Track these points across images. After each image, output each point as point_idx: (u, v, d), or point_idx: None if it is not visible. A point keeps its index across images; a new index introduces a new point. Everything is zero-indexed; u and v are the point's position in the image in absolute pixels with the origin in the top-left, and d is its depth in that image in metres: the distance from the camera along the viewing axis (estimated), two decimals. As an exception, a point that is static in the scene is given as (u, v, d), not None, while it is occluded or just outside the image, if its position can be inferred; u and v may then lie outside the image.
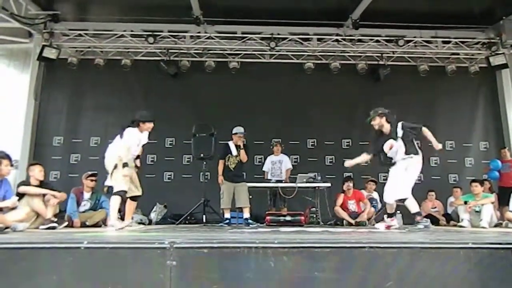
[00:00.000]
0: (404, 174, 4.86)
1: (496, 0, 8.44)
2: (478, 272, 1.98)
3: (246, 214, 6.54)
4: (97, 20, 8.84)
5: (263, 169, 7.78)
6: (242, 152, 6.61)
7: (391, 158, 5.01)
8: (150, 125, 5.05)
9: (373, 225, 6.85)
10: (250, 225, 6.26)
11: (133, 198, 5.00)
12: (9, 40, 8.79)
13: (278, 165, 7.65)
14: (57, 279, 1.91)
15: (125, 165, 4.73)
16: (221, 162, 6.70)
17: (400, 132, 4.95)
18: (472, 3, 8.23)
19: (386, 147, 4.96)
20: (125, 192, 4.76)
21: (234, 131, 6.77)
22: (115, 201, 4.76)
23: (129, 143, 4.86)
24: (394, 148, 4.91)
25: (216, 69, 8.97)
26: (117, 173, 4.71)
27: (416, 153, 4.94)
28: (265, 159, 7.95)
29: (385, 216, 5.31)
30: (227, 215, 6.59)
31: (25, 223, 4.69)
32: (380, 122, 5.09)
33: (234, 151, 6.64)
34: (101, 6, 8.81)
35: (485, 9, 8.53)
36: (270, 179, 7.44)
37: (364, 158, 5.33)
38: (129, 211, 5.08)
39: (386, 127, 5.06)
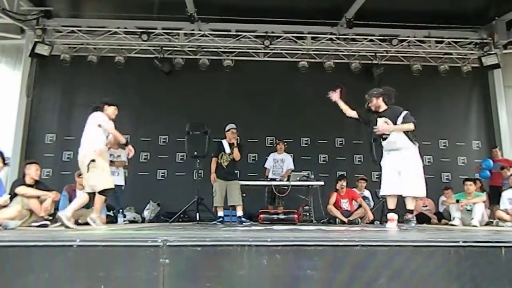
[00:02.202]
0: (414, 168, 4.84)
1: (488, 1, 8.52)
2: (469, 270, 2.00)
3: (239, 212, 6.54)
4: (90, 16, 8.77)
5: (264, 166, 7.77)
6: (236, 150, 6.59)
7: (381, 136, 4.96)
8: (114, 110, 4.94)
9: (369, 223, 6.91)
10: (244, 223, 6.26)
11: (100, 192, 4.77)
12: (1, 36, 8.71)
13: (280, 164, 7.67)
14: (49, 277, 1.90)
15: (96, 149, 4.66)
16: (214, 160, 6.69)
17: (400, 121, 4.88)
18: (465, 3, 8.29)
19: (380, 124, 4.92)
20: (112, 189, 4.72)
21: (226, 128, 6.77)
22: (99, 200, 4.68)
23: (101, 123, 4.73)
24: (391, 133, 4.87)
25: (210, 67, 8.96)
26: (96, 169, 4.62)
27: (414, 144, 4.92)
28: (258, 157, 7.97)
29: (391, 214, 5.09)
30: (220, 213, 6.58)
31: (16, 221, 4.66)
32: (376, 103, 5.07)
33: (227, 149, 6.63)
34: (94, 2, 8.77)
35: (478, 9, 8.60)
36: (271, 177, 7.45)
37: (351, 113, 5.39)
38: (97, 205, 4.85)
39: (383, 107, 5.05)
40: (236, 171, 6.89)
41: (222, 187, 6.53)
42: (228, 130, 6.71)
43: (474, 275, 1.99)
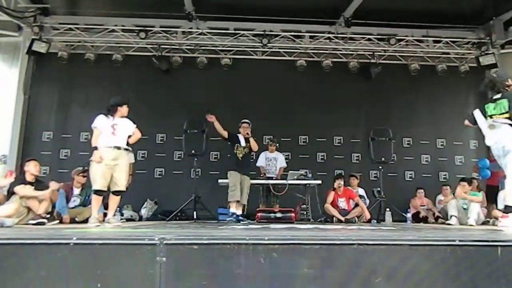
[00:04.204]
0: None
1: (486, 1, 8.54)
2: (465, 269, 2.00)
3: (240, 210, 6.42)
4: (88, 14, 8.74)
5: (256, 165, 7.75)
6: (252, 140, 6.54)
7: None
8: (127, 109, 5.05)
9: (366, 222, 6.93)
10: (241, 222, 6.24)
11: (114, 193, 4.87)
12: (-2, 33, 8.68)
13: (273, 162, 7.66)
14: (46, 276, 1.90)
15: (94, 148, 4.73)
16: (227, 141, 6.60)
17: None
18: (463, 3, 8.30)
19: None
20: (100, 191, 4.74)
21: (240, 123, 6.71)
22: (93, 199, 4.82)
23: (96, 125, 4.84)
24: None
25: (208, 65, 8.95)
26: (91, 168, 4.77)
27: None
28: (256, 155, 7.94)
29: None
30: (234, 209, 6.27)
31: (13, 218, 4.66)
32: None
33: (242, 142, 6.57)
34: (92, 0, 8.72)
35: (476, 9, 8.62)
36: (266, 175, 7.44)
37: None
38: (110, 205, 4.95)
39: None
40: (250, 164, 6.78)
41: (238, 180, 6.35)
42: (241, 125, 6.66)
43: (470, 274, 2.00)
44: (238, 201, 6.32)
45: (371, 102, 9.14)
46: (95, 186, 4.70)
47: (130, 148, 5.03)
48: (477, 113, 4.74)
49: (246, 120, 6.71)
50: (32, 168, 5.35)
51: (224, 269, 1.93)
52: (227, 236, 2.06)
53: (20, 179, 5.38)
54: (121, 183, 4.82)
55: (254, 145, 6.60)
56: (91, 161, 4.76)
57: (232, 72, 9.01)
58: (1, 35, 8.72)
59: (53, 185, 5.38)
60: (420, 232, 3.23)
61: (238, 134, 6.66)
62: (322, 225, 5.81)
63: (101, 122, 4.88)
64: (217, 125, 6.43)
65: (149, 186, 8.29)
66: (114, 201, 4.90)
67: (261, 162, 7.69)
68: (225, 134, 6.50)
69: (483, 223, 6.52)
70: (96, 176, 4.68)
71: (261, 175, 7.46)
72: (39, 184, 5.38)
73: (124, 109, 5.01)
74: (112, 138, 4.83)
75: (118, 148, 4.82)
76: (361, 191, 7.82)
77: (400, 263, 2.00)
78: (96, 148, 4.73)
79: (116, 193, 4.86)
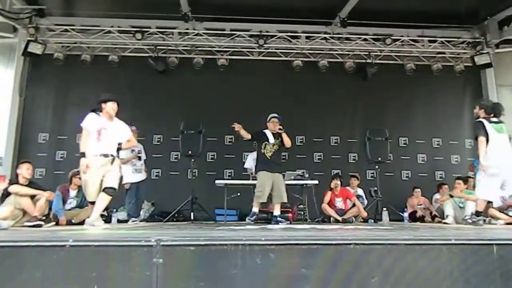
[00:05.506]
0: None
1: (481, 1, 8.58)
2: (461, 267, 2.01)
3: (278, 210, 5.99)
4: (84, 15, 8.70)
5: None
6: (285, 136, 6.08)
7: None
8: (112, 105, 4.55)
9: (363, 221, 6.93)
10: (280, 223, 5.80)
11: (105, 190, 4.39)
12: (-7, 35, 8.64)
13: None
14: (42, 278, 1.89)
15: (82, 155, 4.35)
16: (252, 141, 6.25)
17: None
18: (457, 3, 8.34)
19: None
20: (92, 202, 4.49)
21: (268, 117, 6.32)
22: (90, 206, 4.60)
23: (84, 125, 4.43)
24: None
25: (204, 66, 8.95)
26: (82, 177, 4.49)
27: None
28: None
29: None
30: (256, 209, 5.94)
31: (9, 221, 4.64)
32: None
33: (271, 139, 6.12)
34: (88, 1, 8.70)
35: (471, 9, 8.66)
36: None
37: None
38: (98, 205, 4.41)
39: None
40: (281, 162, 6.33)
41: (269, 181, 5.87)
42: (270, 120, 6.28)
43: (466, 273, 2.01)
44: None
45: (367, 102, 9.18)
46: (89, 198, 4.51)
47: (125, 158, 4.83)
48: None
49: (276, 115, 6.29)
50: (24, 171, 5.29)
51: (221, 270, 1.93)
52: (224, 237, 2.06)
53: (14, 182, 5.34)
54: (113, 182, 4.44)
55: (288, 141, 6.11)
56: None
57: (228, 73, 9.00)
58: (-4, 37, 8.70)
59: (49, 194, 5.33)
60: (417, 231, 3.24)
61: (265, 131, 6.22)
62: (319, 225, 5.82)
63: (90, 122, 4.48)
64: (243, 132, 6.02)
65: (145, 187, 8.26)
66: (103, 200, 4.38)
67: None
68: (249, 136, 6.06)
69: (479, 222, 6.53)
70: (86, 187, 4.43)
71: (252, 177, 7.37)
72: (33, 186, 5.34)
73: (109, 107, 4.53)
74: (98, 145, 4.42)
75: (106, 155, 4.44)
76: (360, 192, 7.83)
77: (396, 262, 2.00)
78: (83, 154, 4.36)
79: (108, 190, 4.37)
